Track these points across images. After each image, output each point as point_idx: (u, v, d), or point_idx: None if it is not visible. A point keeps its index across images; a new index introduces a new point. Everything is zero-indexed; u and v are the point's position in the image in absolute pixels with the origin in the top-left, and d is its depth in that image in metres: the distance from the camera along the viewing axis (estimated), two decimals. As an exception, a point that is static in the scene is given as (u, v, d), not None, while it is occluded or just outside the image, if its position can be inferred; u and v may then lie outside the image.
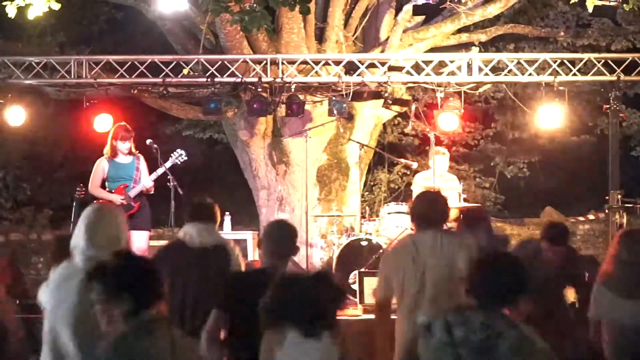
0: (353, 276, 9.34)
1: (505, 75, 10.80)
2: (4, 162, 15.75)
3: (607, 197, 10.82)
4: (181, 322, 5.47)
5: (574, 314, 6.35)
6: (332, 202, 11.30)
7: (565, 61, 10.89)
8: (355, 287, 9.04)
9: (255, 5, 7.78)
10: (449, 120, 10.71)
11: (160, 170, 9.42)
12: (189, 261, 5.69)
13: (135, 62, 10.59)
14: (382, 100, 11.13)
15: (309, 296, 3.74)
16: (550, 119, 10.90)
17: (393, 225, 9.92)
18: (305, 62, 10.71)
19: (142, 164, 9.54)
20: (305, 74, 10.76)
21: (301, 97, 10.67)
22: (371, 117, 11.67)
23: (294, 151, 11.21)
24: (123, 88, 10.86)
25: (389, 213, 10.13)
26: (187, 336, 3.83)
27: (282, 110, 10.83)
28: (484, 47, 12.33)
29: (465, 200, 10.52)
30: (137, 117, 11.17)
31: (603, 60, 10.77)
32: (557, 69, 10.69)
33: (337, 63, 10.71)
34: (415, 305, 5.04)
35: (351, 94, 10.55)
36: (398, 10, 11.18)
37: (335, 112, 10.50)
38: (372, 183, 15.35)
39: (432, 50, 11.48)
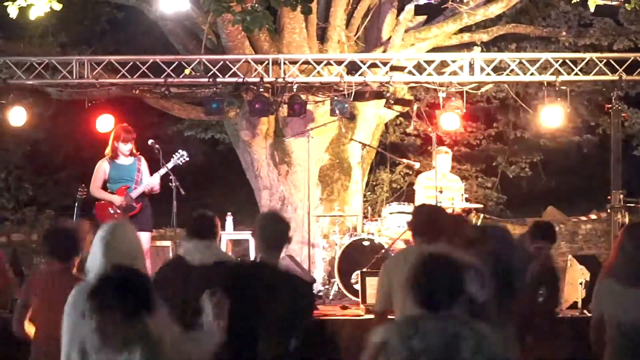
0: (355, 276, 9.36)
1: (507, 75, 10.80)
2: (5, 162, 15.78)
3: (609, 197, 10.83)
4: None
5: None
6: (334, 202, 11.29)
7: (567, 61, 10.89)
8: (358, 287, 9.05)
9: (256, 5, 7.78)
10: (451, 120, 10.70)
11: (162, 171, 9.43)
12: (188, 279, 5.64)
13: (137, 63, 10.58)
14: (384, 100, 11.12)
15: None
16: (552, 118, 10.89)
17: (395, 225, 9.93)
18: (307, 62, 10.70)
19: (143, 165, 9.54)
20: (307, 74, 10.75)
21: (303, 97, 10.65)
22: (373, 117, 11.66)
23: (296, 151, 11.20)
24: (125, 88, 10.86)
25: (391, 213, 10.13)
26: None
27: (284, 110, 10.82)
28: (486, 46, 12.32)
29: (467, 200, 10.53)
30: (139, 117, 11.19)
31: (605, 60, 10.76)
32: (559, 68, 10.67)
33: (339, 63, 10.70)
34: None
35: (353, 93, 10.54)
36: (400, 10, 11.17)
37: (337, 112, 10.49)
38: (374, 183, 15.36)
39: (434, 50, 11.47)
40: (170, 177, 9.49)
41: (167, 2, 9.48)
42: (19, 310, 5.45)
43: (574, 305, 8.90)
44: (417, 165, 12.28)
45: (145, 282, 3.62)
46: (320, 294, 9.76)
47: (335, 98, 10.54)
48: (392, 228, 9.93)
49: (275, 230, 4.87)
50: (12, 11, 8.75)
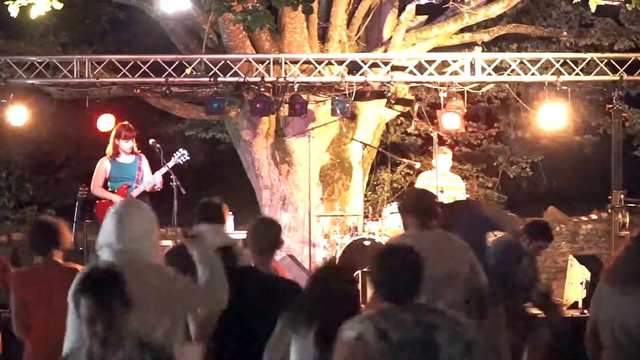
0: (356, 276, 9.35)
1: (508, 75, 10.80)
2: (6, 162, 15.78)
3: (609, 197, 10.83)
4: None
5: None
6: (335, 202, 11.29)
7: (568, 61, 10.89)
8: (359, 287, 9.05)
9: (257, 4, 7.78)
10: (452, 119, 10.70)
11: (163, 170, 9.43)
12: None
13: (138, 62, 10.58)
14: (384, 100, 11.12)
15: None
16: (552, 118, 10.89)
17: (396, 224, 9.92)
18: (308, 62, 10.70)
19: (145, 164, 9.53)
20: (308, 73, 10.75)
21: (304, 96, 10.66)
22: (374, 116, 11.66)
23: (296, 151, 11.21)
24: (125, 88, 10.87)
25: (391, 213, 10.13)
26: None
27: (284, 109, 10.83)
28: (487, 46, 12.31)
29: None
30: (140, 116, 11.18)
31: (606, 60, 10.77)
32: (560, 68, 10.67)
33: (340, 63, 10.70)
34: None
35: (354, 93, 10.54)
36: (401, 10, 11.17)
37: (338, 111, 10.49)
38: (375, 183, 15.36)
39: (435, 50, 11.47)
40: (171, 177, 9.49)
41: (168, 2, 9.49)
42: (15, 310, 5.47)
43: (574, 305, 8.91)
44: (417, 165, 12.29)
45: (118, 282, 3.60)
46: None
47: (336, 98, 10.54)
48: (393, 228, 9.93)
49: (266, 235, 4.91)
50: (13, 10, 8.75)
